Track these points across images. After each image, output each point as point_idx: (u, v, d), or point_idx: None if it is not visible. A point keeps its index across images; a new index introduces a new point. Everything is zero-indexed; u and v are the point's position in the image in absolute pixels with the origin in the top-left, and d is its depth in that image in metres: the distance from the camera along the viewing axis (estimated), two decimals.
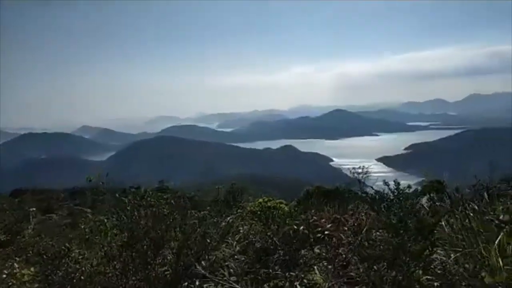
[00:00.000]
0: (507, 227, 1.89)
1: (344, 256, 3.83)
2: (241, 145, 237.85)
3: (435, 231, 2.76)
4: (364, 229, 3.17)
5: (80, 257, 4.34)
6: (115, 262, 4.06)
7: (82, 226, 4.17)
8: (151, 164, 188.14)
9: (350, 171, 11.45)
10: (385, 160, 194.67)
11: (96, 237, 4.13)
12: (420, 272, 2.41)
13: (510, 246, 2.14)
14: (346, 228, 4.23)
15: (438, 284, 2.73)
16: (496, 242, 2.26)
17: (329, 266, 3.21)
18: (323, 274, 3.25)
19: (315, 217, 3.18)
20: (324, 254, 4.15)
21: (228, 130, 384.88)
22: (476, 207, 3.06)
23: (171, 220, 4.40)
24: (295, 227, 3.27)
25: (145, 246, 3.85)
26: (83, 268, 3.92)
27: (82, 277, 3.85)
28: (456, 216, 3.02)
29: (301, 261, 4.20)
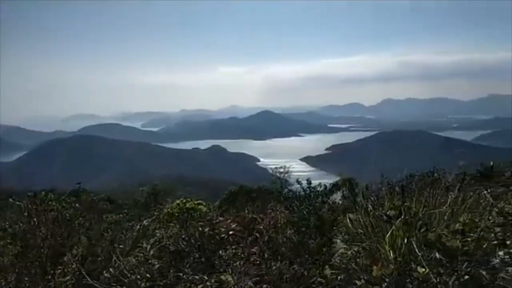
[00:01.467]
0: (395, 222, 2.04)
1: (257, 254, 3.87)
2: (168, 145, 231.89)
3: (335, 227, 2.90)
4: (270, 229, 3.23)
5: None
6: (8, 274, 3.65)
7: None
8: (69, 165, 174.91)
9: (272, 171, 11.72)
10: (308, 159, 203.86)
11: None
12: (319, 268, 2.50)
13: (399, 239, 2.32)
14: (261, 227, 4.29)
15: (341, 277, 2.85)
16: (388, 236, 2.44)
17: (242, 265, 3.21)
18: (236, 274, 3.24)
19: (220, 218, 3.15)
20: (239, 253, 4.16)
21: (154, 129, 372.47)
22: (376, 202, 3.28)
23: (76, 225, 4.08)
24: (200, 228, 3.22)
25: (42, 255, 3.51)
26: None
27: None
28: (358, 211, 3.21)
29: (216, 262, 4.17)
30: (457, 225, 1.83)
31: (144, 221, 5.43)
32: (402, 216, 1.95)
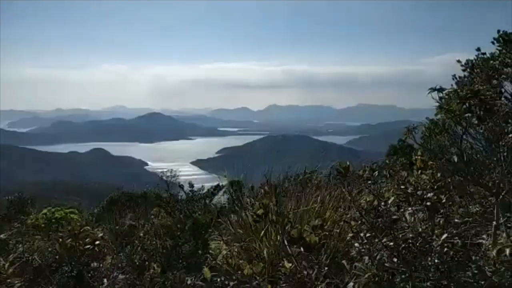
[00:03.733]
0: (263, 220, 2.14)
1: (137, 263, 3.68)
2: (40, 147, 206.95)
3: (210, 229, 2.93)
4: (148, 235, 3.11)
5: None
6: None
7: None
8: None
9: (158, 175, 11.35)
10: (199, 163, 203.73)
11: None
12: (196, 272, 2.48)
13: (273, 235, 2.45)
14: (141, 234, 4.10)
15: (221, 279, 2.87)
16: (262, 234, 2.55)
17: (122, 276, 3.01)
18: (116, 285, 3.03)
19: (87, 227, 2.92)
20: (116, 263, 3.91)
21: (23, 130, 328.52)
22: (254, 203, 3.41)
23: None
24: (60, 239, 2.93)
25: None
26: None
27: None
28: (238, 212, 3.29)
29: (90, 274, 3.84)
30: (316, 221, 2.01)
31: (1, 235, 4.71)
32: (270, 215, 2.06)
